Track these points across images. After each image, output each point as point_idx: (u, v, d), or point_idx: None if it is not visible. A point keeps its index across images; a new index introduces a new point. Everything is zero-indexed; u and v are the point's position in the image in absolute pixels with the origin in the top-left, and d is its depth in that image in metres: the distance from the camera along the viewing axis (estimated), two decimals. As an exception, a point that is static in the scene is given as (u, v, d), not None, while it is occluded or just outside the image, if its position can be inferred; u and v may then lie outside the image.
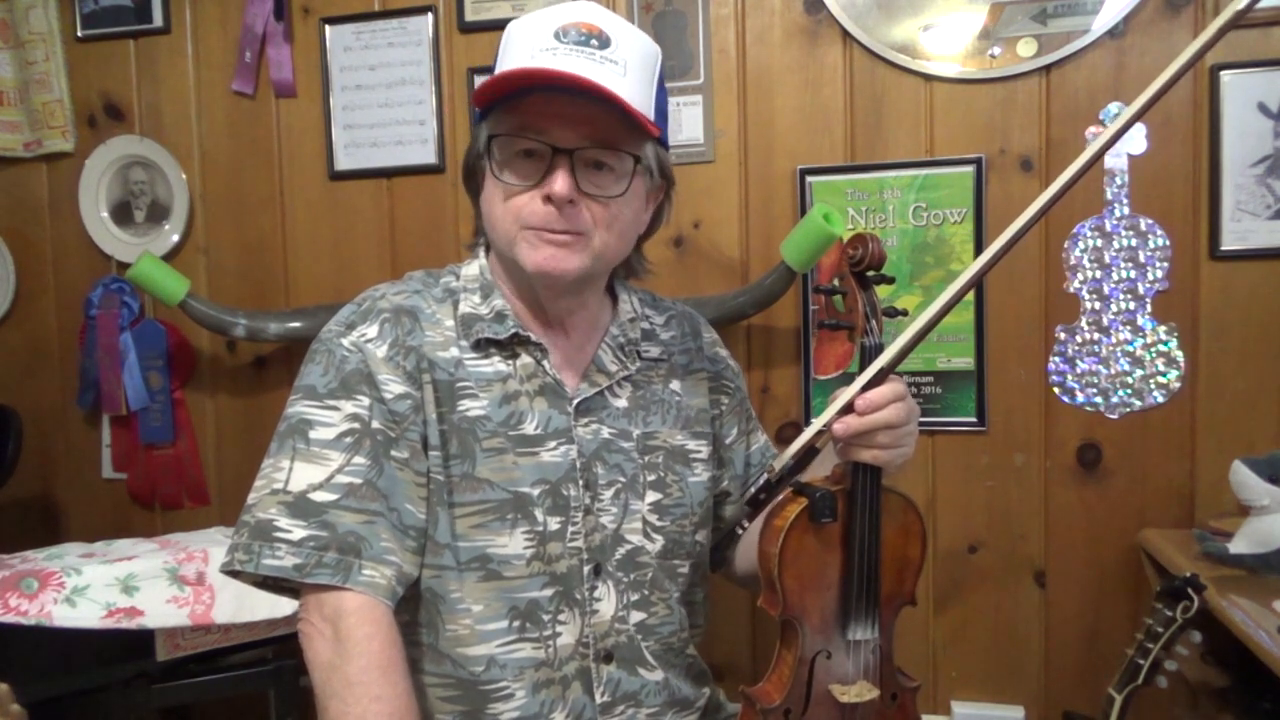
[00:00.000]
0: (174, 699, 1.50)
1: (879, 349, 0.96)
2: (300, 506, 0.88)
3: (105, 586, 1.38)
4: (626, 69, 0.90)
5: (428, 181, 1.83)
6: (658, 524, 1.03)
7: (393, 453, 0.92)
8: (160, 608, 1.40)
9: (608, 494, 1.00)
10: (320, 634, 0.87)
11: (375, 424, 0.92)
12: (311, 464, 0.90)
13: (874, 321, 0.99)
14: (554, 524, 0.96)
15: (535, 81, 0.88)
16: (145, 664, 1.45)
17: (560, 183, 0.89)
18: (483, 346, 0.98)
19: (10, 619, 1.31)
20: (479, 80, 1.77)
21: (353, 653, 0.85)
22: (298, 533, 0.87)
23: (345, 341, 0.95)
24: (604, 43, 0.90)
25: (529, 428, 0.97)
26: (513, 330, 0.98)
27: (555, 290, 0.97)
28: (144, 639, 1.43)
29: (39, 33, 1.94)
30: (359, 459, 0.90)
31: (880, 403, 0.91)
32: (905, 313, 1.03)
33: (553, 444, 0.98)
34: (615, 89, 0.87)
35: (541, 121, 0.90)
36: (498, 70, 0.94)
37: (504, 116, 0.92)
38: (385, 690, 0.84)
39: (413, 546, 0.93)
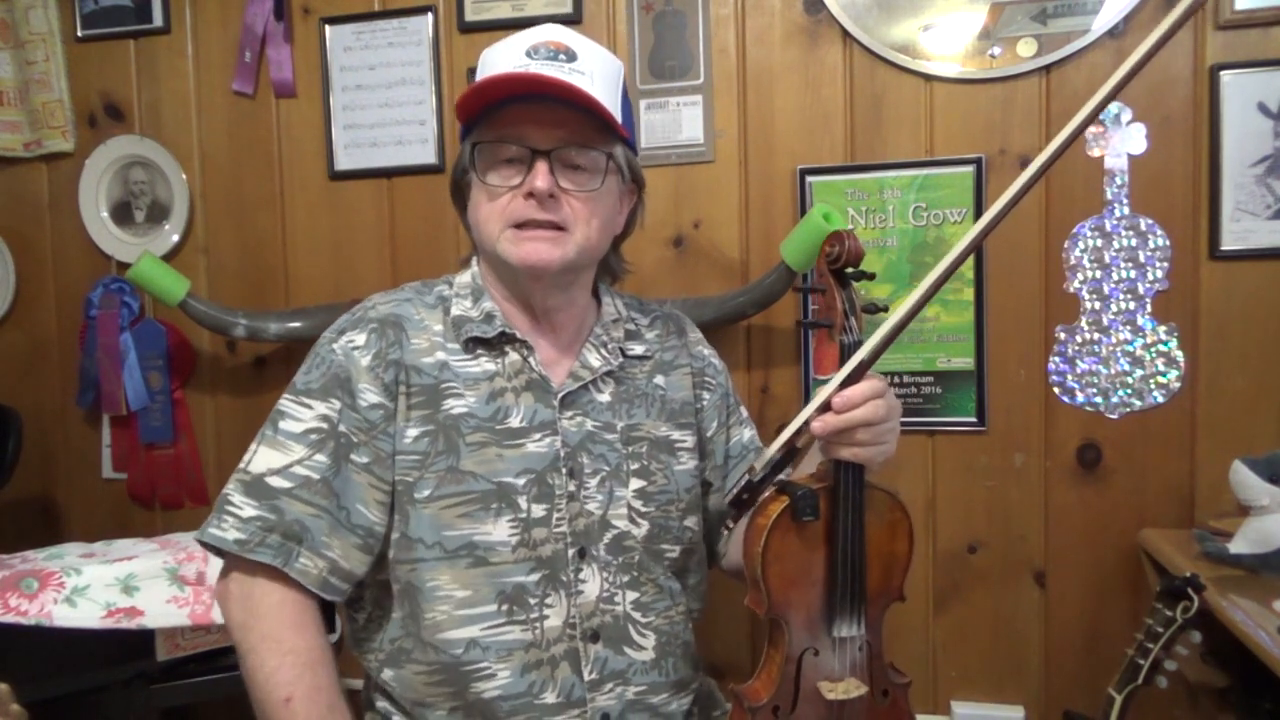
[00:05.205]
0: (174, 699, 1.50)
1: (858, 346, 0.96)
2: (255, 487, 0.96)
3: (105, 586, 1.38)
4: (593, 79, 0.99)
5: (428, 181, 1.83)
6: (643, 509, 1.06)
7: (353, 457, 0.98)
8: (160, 608, 1.40)
9: (593, 482, 1.03)
10: (232, 596, 0.96)
11: (342, 428, 0.98)
12: (274, 450, 0.97)
13: (853, 319, 0.99)
14: (539, 511, 1.00)
15: (512, 88, 0.96)
16: (145, 664, 1.45)
17: (541, 178, 0.96)
18: (471, 347, 1.03)
19: (10, 619, 1.32)
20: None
21: (265, 615, 0.93)
22: (248, 510, 0.95)
23: (335, 346, 1.02)
24: (571, 57, 0.99)
25: (514, 421, 1.02)
26: (500, 329, 1.03)
27: (542, 283, 1.02)
28: (144, 639, 1.43)
29: (39, 33, 1.94)
30: (320, 457, 0.97)
31: (857, 400, 0.92)
32: (885, 308, 1.02)
33: (538, 435, 1.02)
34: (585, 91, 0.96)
35: (520, 128, 0.98)
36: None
37: (485, 128, 1.00)
38: (298, 643, 0.92)
39: (358, 544, 0.98)
